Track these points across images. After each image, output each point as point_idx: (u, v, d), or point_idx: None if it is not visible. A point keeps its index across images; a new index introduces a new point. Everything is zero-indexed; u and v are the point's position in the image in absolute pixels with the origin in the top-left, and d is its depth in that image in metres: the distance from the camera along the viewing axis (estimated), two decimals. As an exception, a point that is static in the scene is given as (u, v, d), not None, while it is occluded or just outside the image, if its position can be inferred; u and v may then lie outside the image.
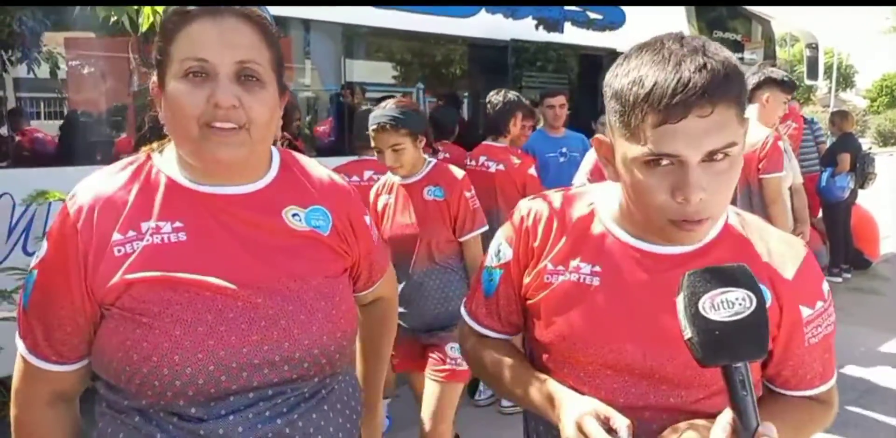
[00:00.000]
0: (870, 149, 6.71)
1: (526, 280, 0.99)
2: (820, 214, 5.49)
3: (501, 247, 1.04)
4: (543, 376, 0.96)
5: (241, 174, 0.94)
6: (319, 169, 1.06)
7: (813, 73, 6.76)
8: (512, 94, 3.39)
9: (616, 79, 0.83)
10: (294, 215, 0.96)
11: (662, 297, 0.82)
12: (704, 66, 0.77)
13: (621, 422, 0.81)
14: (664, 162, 0.79)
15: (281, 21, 3.56)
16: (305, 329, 0.91)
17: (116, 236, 0.88)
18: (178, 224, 0.90)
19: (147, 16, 1.81)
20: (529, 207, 1.01)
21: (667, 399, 0.89)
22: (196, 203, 0.91)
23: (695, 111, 0.76)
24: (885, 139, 26.24)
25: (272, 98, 0.90)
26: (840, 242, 5.52)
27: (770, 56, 6.55)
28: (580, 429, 0.81)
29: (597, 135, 0.92)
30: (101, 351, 0.89)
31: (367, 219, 1.09)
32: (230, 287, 0.88)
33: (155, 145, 0.98)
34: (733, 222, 0.94)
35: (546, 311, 0.96)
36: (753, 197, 2.85)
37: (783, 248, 0.92)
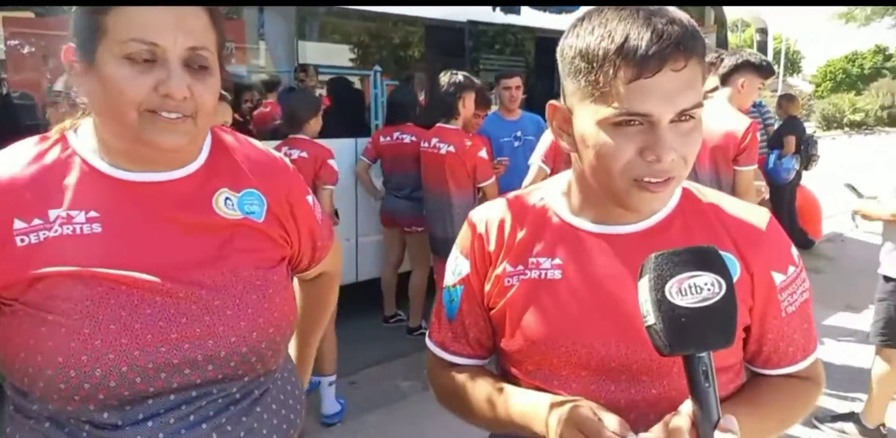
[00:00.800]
0: (814, 132, 6.95)
1: (486, 288, 0.94)
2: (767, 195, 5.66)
3: (458, 261, 0.98)
4: (519, 388, 0.90)
5: (172, 160, 0.87)
6: (255, 147, 0.99)
7: (762, 57, 6.92)
8: (461, 76, 3.36)
9: (578, 39, 0.79)
10: (226, 199, 0.90)
11: (627, 280, 0.79)
12: (673, 20, 0.76)
13: (613, 420, 0.74)
14: (634, 122, 0.77)
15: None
16: (232, 325, 0.85)
17: (19, 224, 0.79)
18: (92, 213, 0.82)
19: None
20: (480, 214, 0.97)
21: (649, 390, 0.84)
22: (116, 191, 0.84)
23: (669, 64, 0.74)
24: (829, 123, 27.17)
25: (218, 84, 0.85)
26: (785, 222, 5.70)
27: (722, 40, 6.67)
28: (577, 427, 0.75)
29: (551, 102, 0.87)
30: (3, 350, 0.81)
31: (310, 198, 1.02)
32: (150, 280, 0.81)
33: (67, 123, 0.89)
34: (689, 192, 0.92)
35: (511, 316, 0.90)
36: (723, 184, 2.60)
37: (746, 213, 0.90)
